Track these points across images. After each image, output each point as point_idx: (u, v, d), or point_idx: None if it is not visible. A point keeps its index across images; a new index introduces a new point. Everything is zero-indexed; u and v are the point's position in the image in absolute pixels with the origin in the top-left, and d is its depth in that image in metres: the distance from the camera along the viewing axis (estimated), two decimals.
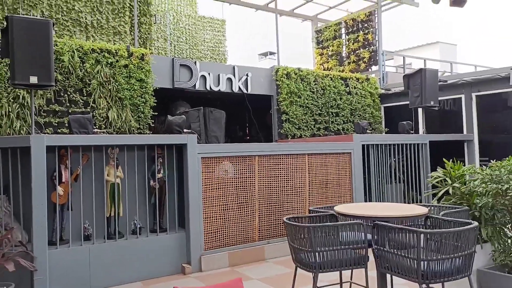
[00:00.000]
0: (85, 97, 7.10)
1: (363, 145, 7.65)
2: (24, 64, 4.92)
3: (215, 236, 6.04)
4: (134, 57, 7.50)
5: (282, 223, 6.03)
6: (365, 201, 7.53)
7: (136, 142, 5.71)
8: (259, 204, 6.47)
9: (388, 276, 3.91)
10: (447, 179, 4.05)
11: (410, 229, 2.92)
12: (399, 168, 8.16)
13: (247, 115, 10.54)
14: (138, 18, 9.41)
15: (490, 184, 3.50)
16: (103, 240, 5.42)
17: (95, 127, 6.61)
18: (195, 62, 8.88)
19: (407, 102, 8.99)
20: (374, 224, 3.20)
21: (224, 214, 6.15)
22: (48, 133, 6.56)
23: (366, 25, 11.70)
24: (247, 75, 9.38)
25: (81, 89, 7.10)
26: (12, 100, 6.42)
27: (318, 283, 4.06)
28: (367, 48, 11.61)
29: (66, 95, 6.94)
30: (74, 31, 8.58)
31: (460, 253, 2.92)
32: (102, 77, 7.19)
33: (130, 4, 9.25)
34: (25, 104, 6.46)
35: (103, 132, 6.68)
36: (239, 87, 9.29)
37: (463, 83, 9.43)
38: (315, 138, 9.28)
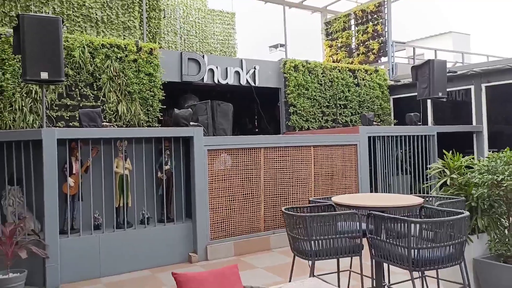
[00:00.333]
0: (95, 91, 7.28)
1: (369, 137, 7.69)
2: (35, 60, 5.10)
3: (221, 226, 6.19)
4: (142, 52, 7.65)
5: None
6: (371, 192, 7.58)
7: (144, 135, 5.87)
8: (264, 195, 6.59)
9: (386, 264, 4.01)
10: (445, 170, 4.10)
11: (401, 219, 3.01)
12: (406, 159, 8.18)
13: (255, 107, 10.63)
14: (147, 13, 9.55)
15: (486, 175, 3.55)
16: (112, 229, 5.61)
17: (104, 121, 6.79)
18: (203, 55, 8.99)
19: (416, 94, 8.97)
20: (369, 214, 3.29)
21: (230, 204, 6.28)
22: (60, 127, 6.76)
23: (375, 16, 11.64)
24: (254, 68, 9.46)
25: (92, 83, 7.28)
26: (25, 95, 6.63)
27: (319, 272, 4.18)
28: (376, 40, 11.57)
29: (77, 89, 7.13)
30: (85, 27, 8.77)
31: (451, 242, 2.99)
32: (111, 72, 7.35)
33: None
34: (38, 98, 6.67)
35: (112, 125, 6.85)
36: (247, 80, 9.38)
37: (473, 74, 9.35)
38: (321, 130, 9.34)
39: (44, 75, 5.16)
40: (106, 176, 5.68)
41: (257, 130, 11.95)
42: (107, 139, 5.65)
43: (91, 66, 7.24)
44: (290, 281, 3.62)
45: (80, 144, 5.48)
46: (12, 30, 6.52)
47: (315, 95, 9.93)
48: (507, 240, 3.75)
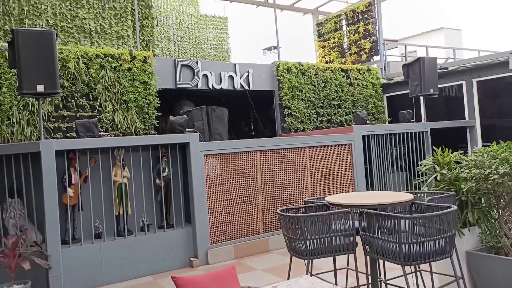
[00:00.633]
0: (91, 102, 7.37)
1: (363, 136, 7.79)
2: (31, 74, 5.19)
3: (221, 230, 6.28)
4: (136, 60, 7.74)
5: None
6: (367, 190, 7.68)
7: (141, 143, 5.96)
8: (262, 198, 6.68)
9: (381, 261, 4.10)
10: (435, 166, 4.21)
11: (391, 215, 3.10)
12: (401, 157, 8.29)
13: (250, 111, 10.74)
14: (140, 21, 9.65)
15: (474, 169, 3.65)
16: (113, 237, 5.69)
17: (101, 130, 6.88)
18: (197, 61, 9.09)
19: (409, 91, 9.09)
20: (361, 212, 3.39)
21: (228, 208, 6.38)
22: (57, 138, 6.85)
23: (366, 15, 11.77)
24: (248, 72, 9.57)
25: (87, 94, 7.37)
26: (22, 108, 6.73)
27: (317, 271, 4.27)
28: (368, 39, 11.69)
29: (73, 100, 7.22)
30: (79, 38, 8.87)
31: (441, 236, 3.09)
32: (107, 81, 7.45)
33: (131, 8, 9.50)
34: (35, 111, 6.76)
35: (109, 135, 6.94)
36: (241, 84, 9.48)
37: (464, 69, 9.47)
38: (317, 131, 9.44)
39: (40, 88, 5.25)
40: (105, 185, 5.77)
41: (253, 133, 12.06)
42: (104, 148, 5.74)
43: (86, 76, 7.34)
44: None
45: (78, 154, 5.57)
46: (7, 44, 6.63)
47: (309, 97, 10.04)
48: (497, 232, 3.85)
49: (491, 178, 3.47)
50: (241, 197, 6.49)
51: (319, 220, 3.41)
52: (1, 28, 8.22)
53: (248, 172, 6.56)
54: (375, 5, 11.55)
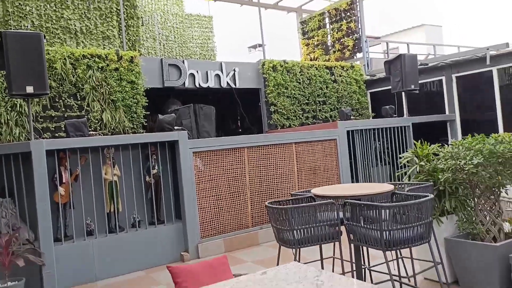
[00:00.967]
0: (79, 102, 7.43)
1: (348, 131, 8.02)
2: (20, 76, 5.26)
3: (211, 225, 6.43)
4: (123, 60, 7.82)
5: None
6: (352, 183, 7.90)
7: (130, 142, 6.07)
8: (251, 193, 6.85)
9: (366, 250, 4.31)
10: (415, 158, 4.43)
11: (372, 205, 3.31)
12: (384, 150, 8.54)
13: (237, 108, 10.88)
14: (125, 21, 9.70)
15: (450, 160, 3.87)
16: (105, 234, 5.80)
17: (90, 129, 6.96)
18: (183, 61, 9.20)
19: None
20: (345, 203, 3.58)
21: (218, 203, 6.53)
22: (46, 138, 6.90)
23: (348, 13, 12.00)
24: (234, 70, 9.71)
25: (75, 94, 7.43)
26: (10, 109, 6.75)
27: (304, 261, 4.46)
28: (350, 36, 11.93)
29: (61, 100, 7.27)
30: (65, 39, 8.89)
31: (419, 223, 3.30)
32: (94, 81, 7.51)
33: (117, 8, 9.55)
34: (23, 111, 6.80)
35: (98, 134, 7.02)
36: (227, 83, 9.62)
37: (443, 65, 9.78)
38: (302, 127, 9.64)
39: (29, 89, 5.33)
40: (96, 183, 5.87)
41: (240, 130, 12.20)
42: (94, 147, 5.83)
43: (73, 77, 7.39)
44: None
45: (68, 153, 5.65)
46: None
47: (294, 94, 10.23)
48: (473, 219, 4.09)
49: (466, 169, 3.69)
50: (230, 193, 6.65)
51: (306, 211, 3.59)
52: None
53: (237, 168, 6.72)
54: (357, 3, 11.80)
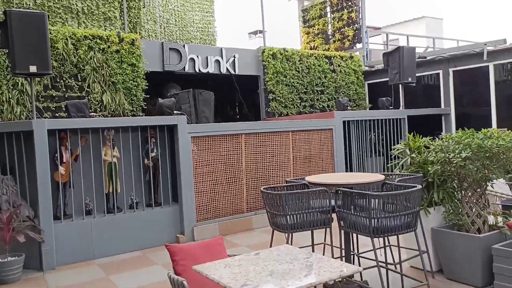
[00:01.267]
0: (80, 82, 7.50)
1: (344, 121, 8.15)
2: (24, 55, 5.33)
3: (206, 209, 6.59)
4: (124, 43, 7.88)
5: None
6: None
7: (130, 124, 6.18)
8: (246, 178, 7.00)
9: (355, 237, 4.48)
10: (407, 150, 4.57)
11: (362, 193, 3.46)
12: (379, 142, 8.69)
13: (236, 95, 10.97)
14: (127, 3, 9.71)
15: (440, 153, 4.02)
16: (103, 214, 5.95)
17: (91, 111, 7.05)
18: (184, 45, 9.25)
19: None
20: (336, 191, 3.73)
21: (214, 188, 6.68)
22: (47, 117, 6.99)
23: (350, 3, 12.03)
24: (234, 56, 9.77)
25: (76, 74, 7.50)
26: (11, 87, 6.83)
27: (296, 246, 4.62)
28: (351, 27, 11.97)
29: (62, 81, 7.35)
30: (66, 18, 8.90)
31: (406, 212, 3.46)
32: (95, 63, 7.58)
33: None
34: (24, 90, 6.88)
35: (99, 115, 7.12)
36: (227, 69, 9.69)
37: (441, 59, 9.88)
38: (300, 116, 9.76)
39: (33, 69, 5.40)
40: (95, 164, 5.99)
41: (238, 116, 12.31)
42: (95, 128, 5.94)
43: (74, 57, 7.45)
44: None
45: (69, 134, 5.76)
46: None
47: (293, 82, 10.32)
48: (459, 211, 4.25)
49: (454, 162, 3.84)
50: (226, 178, 6.79)
51: (299, 197, 3.74)
52: None
53: (234, 154, 6.86)
54: None
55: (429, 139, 4.54)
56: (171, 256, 2.92)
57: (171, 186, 6.58)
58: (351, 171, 8.28)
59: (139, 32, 10.01)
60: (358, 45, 12.08)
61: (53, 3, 8.77)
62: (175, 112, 6.74)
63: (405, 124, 8.88)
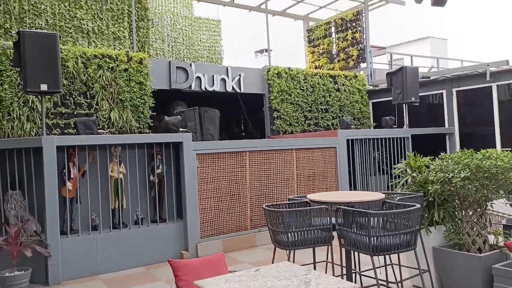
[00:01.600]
0: (88, 100, 7.69)
1: (347, 140, 8.23)
2: (35, 74, 5.52)
3: (210, 225, 6.65)
4: (133, 61, 8.08)
5: None
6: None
7: (137, 141, 6.31)
8: (250, 196, 7.07)
9: (357, 256, 4.52)
10: (407, 169, 4.64)
11: (362, 211, 3.52)
12: (383, 160, 8.75)
13: (241, 113, 11.12)
14: (136, 23, 9.98)
15: (439, 173, 4.09)
16: (109, 229, 6.03)
17: (99, 128, 7.21)
18: (191, 64, 9.45)
19: None
20: (337, 209, 3.80)
21: (218, 205, 6.75)
22: (56, 134, 7.15)
23: (354, 24, 12.25)
24: (239, 75, 9.95)
25: (85, 92, 7.69)
26: (22, 104, 7.02)
27: (298, 264, 4.67)
28: (355, 47, 12.15)
29: (71, 98, 7.53)
30: (77, 38, 9.17)
31: (406, 230, 3.52)
32: (104, 81, 7.77)
33: (128, 10, 9.82)
34: (34, 107, 7.06)
35: (107, 132, 7.27)
36: (233, 87, 9.86)
37: (444, 79, 9.99)
38: (304, 134, 9.86)
39: (43, 87, 5.58)
40: (102, 180, 6.11)
41: (243, 134, 12.44)
42: (102, 145, 6.08)
43: (84, 76, 7.65)
44: None
45: (77, 150, 5.90)
46: (8, 42, 6.94)
47: (297, 100, 10.46)
48: (460, 230, 4.29)
49: (453, 182, 3.90)
50: (230, 195, 6.87)
51: (300, 215, 3.81)
52: (1, 26, 8.49)
53: (238, 171, 6.95)
54: (363, 15, 12.03)
55: (430, 159, 4.61)
56: (173, 271, 2.99)
57: (176, 202, 6.66)
58: (355, 189, 8.32)
59: (148, 51, 10.26)
60: (363, 65, 12.24)
61: (65, 23, 9.05)
62: (180, 129, 6.87)
63: (409, 143, 8.94)
